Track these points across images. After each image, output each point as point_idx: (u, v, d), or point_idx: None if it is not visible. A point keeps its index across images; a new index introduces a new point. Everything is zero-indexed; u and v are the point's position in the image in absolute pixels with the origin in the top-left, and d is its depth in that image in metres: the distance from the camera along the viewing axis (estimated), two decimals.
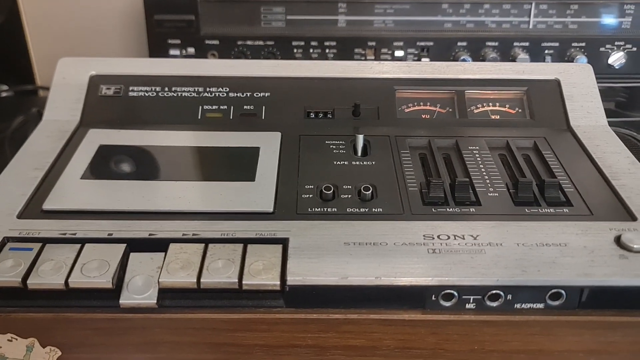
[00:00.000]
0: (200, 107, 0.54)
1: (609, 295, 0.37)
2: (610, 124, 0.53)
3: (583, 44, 0.72)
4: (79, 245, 0.38)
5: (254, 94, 0.54)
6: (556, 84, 0.55)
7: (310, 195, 0.44)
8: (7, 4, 0.79)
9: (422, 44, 0.72)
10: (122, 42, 0.83)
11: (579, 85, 0.55)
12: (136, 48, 0.82)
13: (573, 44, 0.72)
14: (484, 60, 0.71)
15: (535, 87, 0.55)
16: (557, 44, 0.72)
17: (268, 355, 0.38)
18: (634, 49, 0.72)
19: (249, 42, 0.72)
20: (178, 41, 0.72)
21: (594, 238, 0.39)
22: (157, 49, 0.73)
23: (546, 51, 0.72)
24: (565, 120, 0.53)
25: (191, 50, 0.72)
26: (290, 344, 0.38)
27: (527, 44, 0.72)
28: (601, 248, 0.39)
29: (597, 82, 0.56)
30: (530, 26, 0.72)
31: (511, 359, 0.38)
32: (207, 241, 0.39)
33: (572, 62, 0.71)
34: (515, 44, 0.72)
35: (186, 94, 0.54)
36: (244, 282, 0.36)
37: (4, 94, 0.84)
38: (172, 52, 0.72)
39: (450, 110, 0.54)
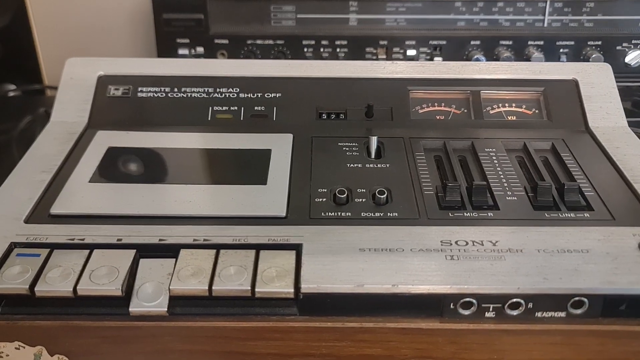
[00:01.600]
0: (210, 108, 0.53)
1: (633, 304, 0.36)
2: (628, 124, 0.52)
3: (599, 43, 0.70)
4: (87, 251, 0.37)
5: (265, 95, 0.53)
6: (574, 84, 0.54)
7: (324, 199, 0.43)
8: (14, 3, 0.79)
9: (435, 42, 0.71)
10: (131, 42, 0.82)
11: (598, 85, 0.54)
12: (144, 47, 0.82)
13: (589, 43, 0.71)
14: (497, 59, 0.70)
15: (553, 88, 0.54)
16: (572, 43, 0.71)
17: None
18: None
19: (258, 42, 0.71)
20: (187, 40, 0.71)
21: (617, 244, 0.38)
22: (165, 49, 0.72)
23: (561, 50, 0.71)
24: (583, 121, 0.52)
25: (200, 49, 0.71)
26: (304, 353, 0.37)
27: (541, 42, 0.71)
28: (624, 254, 0.37)
29: None
30: (545, 24, 0.71)
31: None
32: (218, 247, 0.38)
33: (588, 61, 0.70)
34: (529, 42, 0.71)
35: (196, 95, 0.53)
36: (256, 289, 0.35)
37: (11, 94, 0.83)
38: (181, 51, 0.72)
39: (466, 111, 0.53)
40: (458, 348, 0.37)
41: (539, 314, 0.36)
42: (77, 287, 0.35)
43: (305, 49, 0.71)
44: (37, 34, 0.81)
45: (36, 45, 0.82)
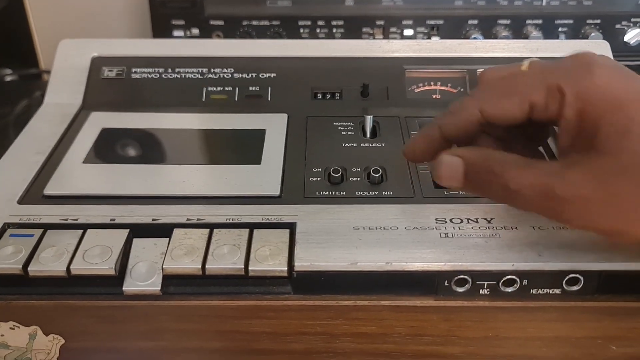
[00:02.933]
0: (205, 88, 0.52)
1: (628, 280, 0.36)
2: None
3: (598, 21, 0.70)
4: (80, 231, 0.37)
5: (260, 75, 0.53)
6: None
7: (318, 179, 0.42)
8: None
9: (432, 22, 0.70)
10: (126, 24, 0.82)
11: None
12: (140, 29, 0.81)
13: (588, 21, 0.70)
14: (495, 39, 0.70)
15: None
16: (571, 22, 0.70)
17: (276, 342, 0.37)
18: None
19: (254, 22, 0.70)
20: (182, 22, 0.71)
21: None
22: (160, 30, 0.71)
23: (560, 29, 0.70)
24: None
25: (195, 31, 0.71)
26: (299, 331, 0.37)
27: (540, 21, 0.70)
28: None
29: None
30: (544, 3, 0.70)
31: (527, 346, 0.37)
32: (212, 226, 0.38)
33: (587, 39, 0.69)
34: (527, 21, 0.70)
35: (190, 75, 0.53)
36: (250, 268, 0.35)
37: (8, 78, 0.83)
38: (176, 33, 0.71)
39: (462, 89, 0.53)
40: (452, 325, 0.37)
41: (534, 291, 0.36)
42: (71, 267, 0.35)
43: (302, 30, 0.71)
44: (32, 18, 0.81)
45: (32, 29, 0.81)
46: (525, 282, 0.36)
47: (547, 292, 0.36)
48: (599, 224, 0.32)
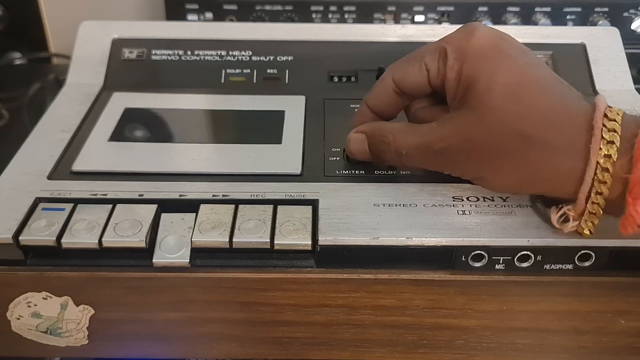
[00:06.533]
0: (223, 70, 0.53)
1: (638, 257, 0.37)
2: None
3: (606, 9, 0.71)
4: (110, 206, 0.38)
5: (277, 58, 0.54)
6: (582, 48, 0.54)
7: (337, 158, 0.44)
8: None
9: (443, 9, 0.71)
10: (138, 8, 0.82)
11: (605, 49, 0.54)
12: (153, 13, 0.82)
13: (596, 9, 0.71)
14: (505, 25, 0.71)
15: (561, 52, 0.54)
16: (579, 9, 0.71)
17: (298, 314, 0.39)
18: None
19: (267, 7, 0.71)
20: (196, 6, 0.72)
21: None
22: (174, 15, 0.72)
23: (568, 16, 0.71)
24: (591, 84, 0.53)
25: (209, 15, 0.72)
26: (321, 303, 0.38)
27: (548, 9, 0.71)
28: None
29: None
30: None
31: (540, 319, 0.39)
32: (237, 202, 0.39)
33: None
34: (537, 9, 0.71)
35: (209, 58, 0.54)
36: (275, 242, 0.36)
37: (17, 62, 0.84)
38: (190, 17, 0.72)
39: None
40: (468, 299, 0.38)
41: (547, 266, 0.37)
42: (102, 239, 0.36)
43: (314, 15, 0.72)
44: (42, 1, 0.81)
45: (42, 13, 0.82)
46: (539, 257, 0.37)
47: (560, 268, 0.38)
48: (465, 171, 0.37)
